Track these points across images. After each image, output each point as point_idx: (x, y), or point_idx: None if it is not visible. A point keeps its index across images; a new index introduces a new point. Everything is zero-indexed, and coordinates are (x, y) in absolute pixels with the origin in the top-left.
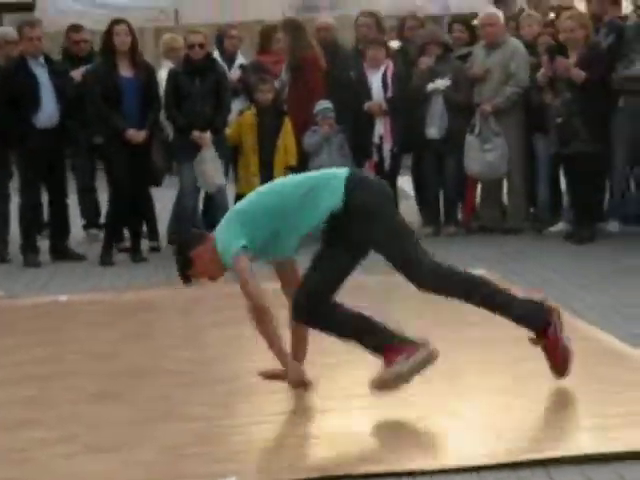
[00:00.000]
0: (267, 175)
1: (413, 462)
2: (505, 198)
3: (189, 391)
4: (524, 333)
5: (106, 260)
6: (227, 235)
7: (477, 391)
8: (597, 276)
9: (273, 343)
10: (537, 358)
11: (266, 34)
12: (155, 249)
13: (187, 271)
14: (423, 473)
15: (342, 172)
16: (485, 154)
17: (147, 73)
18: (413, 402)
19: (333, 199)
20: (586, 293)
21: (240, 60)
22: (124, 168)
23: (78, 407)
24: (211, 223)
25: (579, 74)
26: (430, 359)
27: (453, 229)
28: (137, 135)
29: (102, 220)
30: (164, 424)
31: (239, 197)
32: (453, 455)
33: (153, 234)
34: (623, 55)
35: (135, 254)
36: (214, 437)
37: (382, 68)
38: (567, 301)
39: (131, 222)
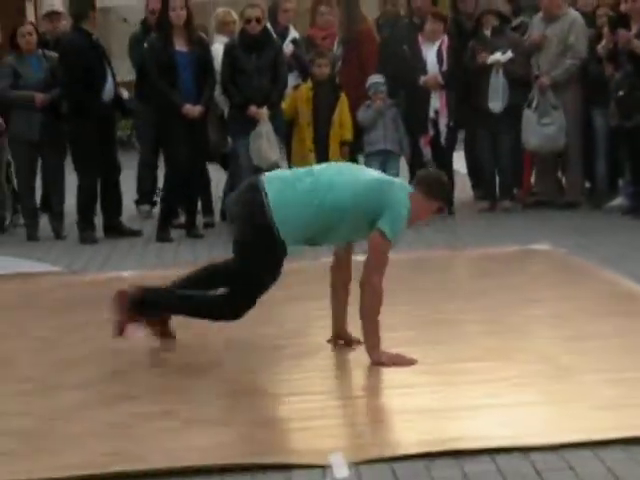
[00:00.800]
0: (322, 150)
1: (530, 438)
2: (560, 173)
3: (278, 365)
4: None
5: (163, 236)
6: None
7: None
8: None
9: (377, 328)
10: None
11: (314, 8)
12: (209, 225)
13: None
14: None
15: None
16: (543, 128)
17: (202, 48)
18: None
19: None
20: None
21: (293, 34)
22: (181, 143)
23: (169, 381)
24: None
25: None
26: None
27: (509, 203)
28: (193, 110)
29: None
30: (256, 399)
31: None
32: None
33: (208, 210)
34: None
35: (191, 230)
36: (311, 412)
37: (438, 42)
38: None
39: (187, 197)
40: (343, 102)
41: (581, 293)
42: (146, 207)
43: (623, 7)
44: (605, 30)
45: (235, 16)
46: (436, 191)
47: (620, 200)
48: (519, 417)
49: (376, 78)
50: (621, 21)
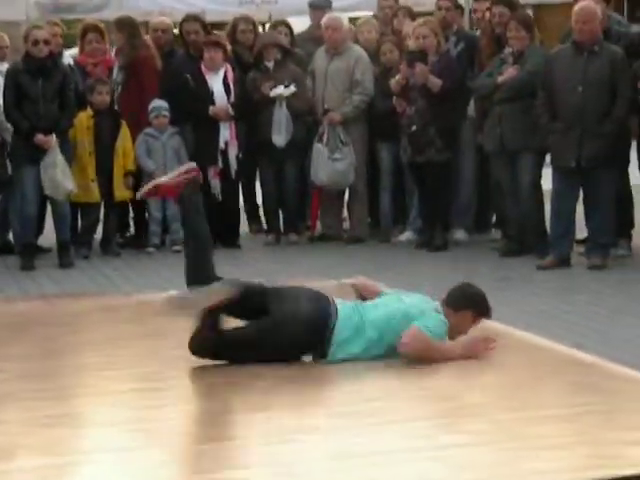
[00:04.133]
0: (105, 180)
1: None
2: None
3: None
4: None
5: None
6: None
7: None
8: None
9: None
10: None
11: (82, 36)
12: None
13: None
14: None
15: None
16: (334, 163)
17: None
18: None
19: None
20: None
21: (67, 59)
22: None
23: None
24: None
25: (436, 82)
26: None
27: (295, 237)
28: None
29: None
30: None
31: (75, 205)
32: None
33: None
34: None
35: None
36: None
37: (222, 71)
38: None
39: None
40: (125, 130)
41: None
42: None
43: (414, 44)
44: (402, 65)
45: (7, 41)
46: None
47: (408, 234)
48: (460, 461)
49: (160, 102)
50: (419, 57)
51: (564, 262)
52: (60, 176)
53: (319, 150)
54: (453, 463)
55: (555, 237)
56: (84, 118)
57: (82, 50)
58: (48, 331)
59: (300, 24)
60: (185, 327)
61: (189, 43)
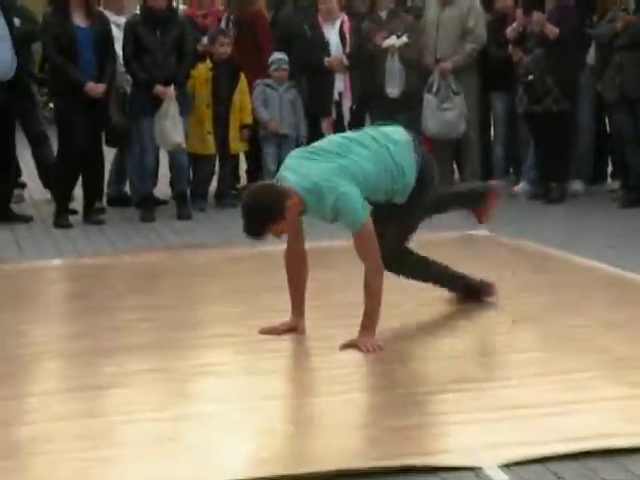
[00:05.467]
0: (221, 133)
1: None
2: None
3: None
4: None
5: (61, 222)
6: (352, 190)
7: None
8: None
9: (380, 303)
10: None
11: None
12: (100, 211)
13: (270, 228)
14: None
15: (407, 141)
16: (444, 113)
17: (102, 23)
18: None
19: (411, 172)
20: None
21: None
22: (79, 123)
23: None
24: (177, 190)
25: (553, 30)
26: None
27: None
28: (96, 88)
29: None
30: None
31: (191, 157)
32: None
33: (99, 195)
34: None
35: (89, 215)
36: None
37: (338, 22)
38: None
39: (85, 181)
40: (243, 83)
41: (565, 280)
42: (18, 191)
43: None
44: (518, 12)
45: None
46: None
47: (522, 185)
48: (625, 414)
49: (280, 55)
50: (536, 4)
51: None
52: (169, 128)
53: (428, 100)
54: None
55: None
56: (203, 70)
57: (190, 2)
58: (179, 281)
59: None
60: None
61: None
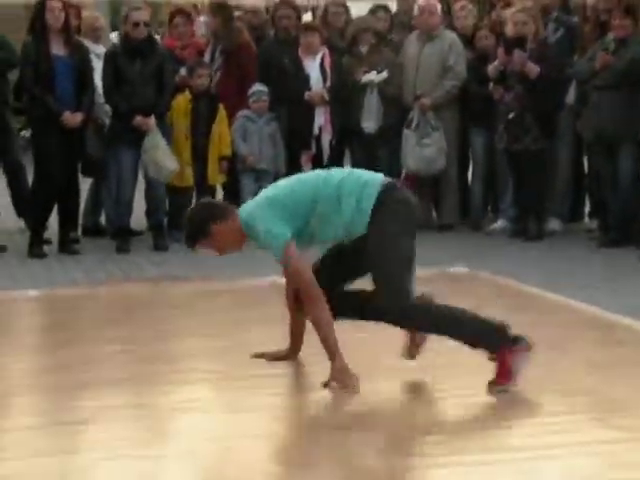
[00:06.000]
0: (200, 165)
1: None
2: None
3: None
4: None
5: (36, 252)
6: (269, 222)
7: None
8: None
9: (330, 330)
10: None
11: (170, 19)
12: (75, 241)
13: (200, 241)
14: None
15: (376, 183)
16: (423, 149)
17: (81, 53)
18: None
19: (361, 216)
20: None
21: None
22: (56, 154)
23: None
24: (154, 221)
25: (533, 69)
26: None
27: None
28: (73, 118)
29: None
30: None
31: (168, 188)
32: None
33: (74, 225)
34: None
35: (65, 245)
36: None
37: (319, 56)
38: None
39: (60, 211)
40: (222, 115)
41: (546, 320)
42: None
43: (512, 30)
44: (499, 51)
45: (102, 22)
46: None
47: (500, 223)
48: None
49: (260, 86)
50: (517, 43)
51: None
52: (162, 157)
53: (408, 136)
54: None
55: None
56: (182, 101)
57: (169, 33)
58: (157, 314)
59: (355, 9)
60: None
61: (280, 28)
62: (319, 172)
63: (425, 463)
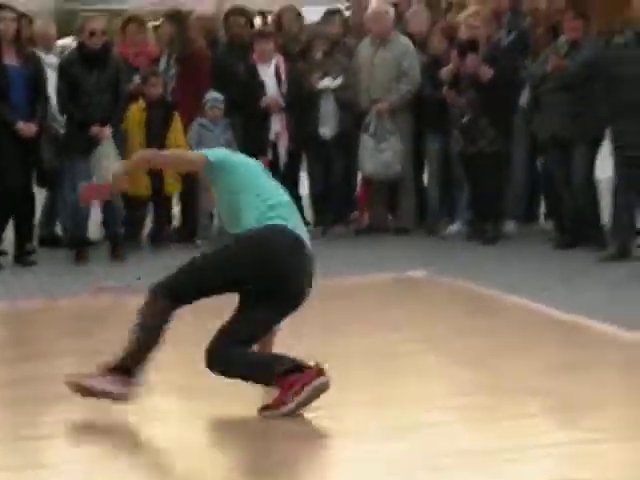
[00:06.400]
0: (156, 175)
1: None
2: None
3: None
4: None
5: None
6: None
7: None
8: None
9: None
10: None
11: (123, 27)
12: (30, 252)
13: None
14: None
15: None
16: (381, 154)
17: (34, 63)
18: None
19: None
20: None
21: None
22: (10, 164)
23: None
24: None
25: (487, 72)
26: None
27: (341, 229)
28: (28, 127)
29: None
30: None
31: (126, 199)
32: None
33: (29, 236)
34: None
35: (21, 257)
36: None
37: (273, 63)
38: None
39: (16, 222)
40: (177, 122)
41: (506, 322)
42: None
43: (465, 34)
44: (453, 54)
45: (54, 31)
46: None
47: (456, 226)
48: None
49: (215, 94)
50: (470, 46)
51: (625, 253)
52: (110, 166)
53: (365, 140)
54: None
55: (617, 228)
56: (136, 110)
57: (123, 40)
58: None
59: (309, 14)
60: None
61: (233, 35)
62: (278, 186)
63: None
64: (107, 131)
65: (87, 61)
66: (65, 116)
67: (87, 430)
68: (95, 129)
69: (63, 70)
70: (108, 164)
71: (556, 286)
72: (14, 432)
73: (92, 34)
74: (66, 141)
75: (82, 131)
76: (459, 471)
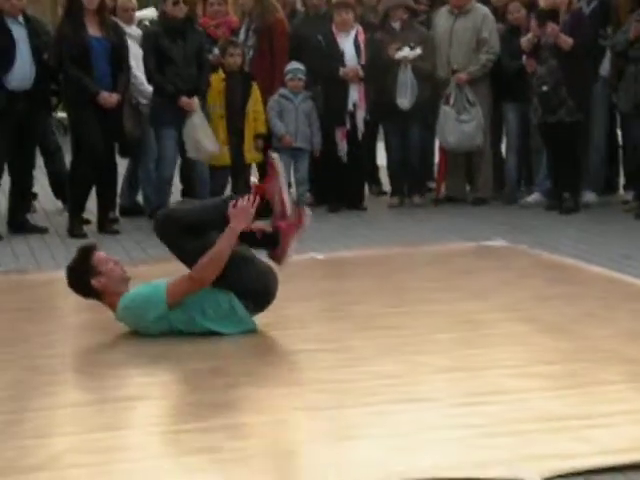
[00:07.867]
0: (236, 143)
1: None
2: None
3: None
4: None
5: (76, 232)
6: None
7: None
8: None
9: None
10: None
11: None
12: (113, 221)
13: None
14: None
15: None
16: (462, 125)
17: (117, 34)
18: None
19: None
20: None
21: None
22: (96, 134)
23: None
24: (190, 194)
25: (567, 41)
26: None
27: (419, 199)
28: (110, 98)
29: None
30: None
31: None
32: None
33: (112, 205)
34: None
35: (104, 226)
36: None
37: (352, 32)
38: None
39: (99, 191)
40: (256, 93)
41: (587, 291)
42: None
43: (544, 2)
44: (532, 23)
45: (134, 3)
46: None
47: (535, 196)
48: None
49: (296, 64)
50: (550, 15)
51: None
52: (203, 138)
53: (446, 112)
54: None
55: None
56: (216, 81)
57: (204, 12)
58: None
59: None
60: None
61: (310, 6)
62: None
63: (477, 432)
64: (196, 102)
65: (171, 32)
66: (152, 87)
67: (169, 390)
68: (184, 100)
69: (148, 42)
70: (198, 135)
71: (637, 256)
72: (106, 394)
73: (175, 3)
74: (153, 112)
75: (170, 102)
76: (543, 436)
